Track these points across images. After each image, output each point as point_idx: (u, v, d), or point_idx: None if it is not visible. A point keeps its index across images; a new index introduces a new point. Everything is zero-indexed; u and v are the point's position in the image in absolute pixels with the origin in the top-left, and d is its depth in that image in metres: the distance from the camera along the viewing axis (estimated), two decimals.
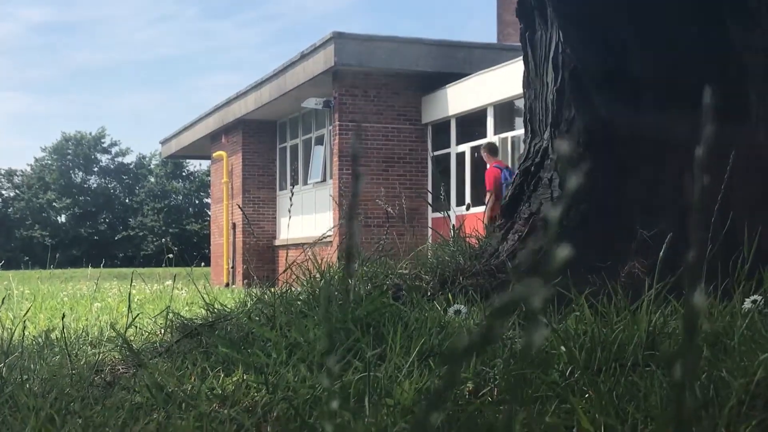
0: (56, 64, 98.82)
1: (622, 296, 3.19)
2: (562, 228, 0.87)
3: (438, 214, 16.91)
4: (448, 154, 19.41)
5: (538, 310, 0.70)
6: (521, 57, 4.94)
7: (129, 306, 5.02)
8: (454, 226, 5.29)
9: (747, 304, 3.04)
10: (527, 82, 4.86)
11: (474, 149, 18.75)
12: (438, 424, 2.04)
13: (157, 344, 4.23)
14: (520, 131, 16.43)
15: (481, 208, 15.93)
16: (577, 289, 3.34)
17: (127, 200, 64.25)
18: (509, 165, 14.55)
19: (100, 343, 4.74)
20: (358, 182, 0.79)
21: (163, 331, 4.56)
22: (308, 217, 21.99)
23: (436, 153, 19.68)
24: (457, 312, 3.49)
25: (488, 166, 13.73)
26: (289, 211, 5.27)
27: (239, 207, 6.78)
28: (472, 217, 13.06)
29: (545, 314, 3.18)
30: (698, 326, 0.69)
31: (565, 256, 0.69)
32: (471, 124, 19.07)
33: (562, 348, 2.60)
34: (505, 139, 17.65)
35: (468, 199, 18.09)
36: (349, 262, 1.18)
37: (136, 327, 5.03)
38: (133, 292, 11.02)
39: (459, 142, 19.22)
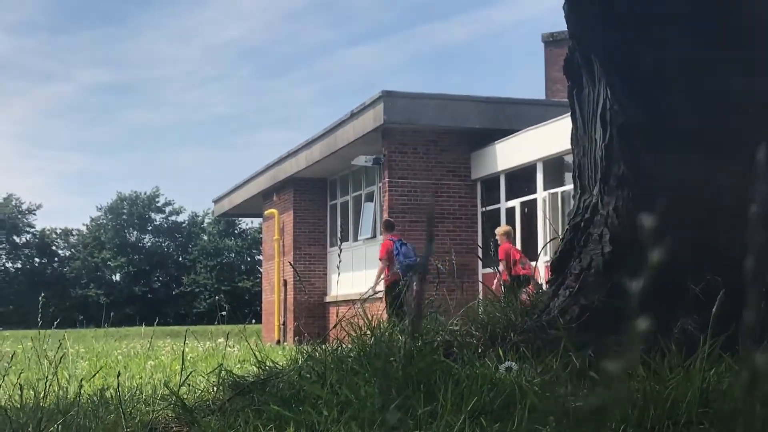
0: (111, 124, 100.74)
1: (675, 353, 3.16)
2: (633, 295, 0.88)
3: (488, 270, 16.85)
4: (498, 210, 19.38)
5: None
6: (569, 113, 4.96)
7: (182, 364, 5.07)
8: (505, 280, 5.28)
9: None
10: (575, 139, 4.87)
11: (524, 204, 18.71)
12: None
13: (210, 402, 4.25)
14: (570, 186, 16.37)
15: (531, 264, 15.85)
16: (630, 346, 3.30)
17: (180, 258, 64.87)
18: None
19: (153, 402, 4.78)
20: (431, 244, 0.81)
21: (215, 388, 4.59)
22: (359, 274, 22.01)
23: (485, 208, 19.67)
24: (508, 369, 3.47)
25: (383, 239, 15.78)
26: (338, 267, 5.29)
27: (290, 264, 6.83)
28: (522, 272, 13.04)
29: (596, 370, 3.15)
30: (757, 386, 0.70)
31: (647, 328, 0.71)
32: (520, 179, 19.04)
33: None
34: (554, 194, 17.60)
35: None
36: (418, 320, 1.20)
37: (189, 385, 5.07)
38: (186, 350, 11.09)
39: (508, 198, 19.20)
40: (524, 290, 5.84)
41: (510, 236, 14.76)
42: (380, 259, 15.53)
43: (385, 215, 19.50)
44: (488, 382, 3.23)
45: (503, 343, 4.05)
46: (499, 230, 15.15)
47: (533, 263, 14.80)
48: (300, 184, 24.84)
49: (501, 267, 14.25)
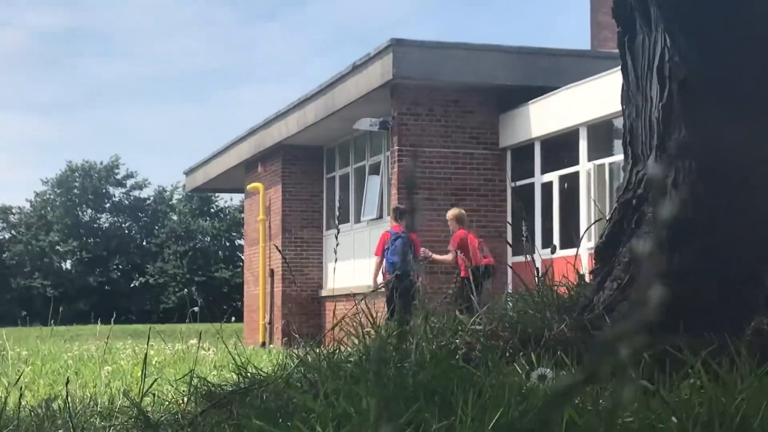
0: (64, 80, 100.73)
1: (747, 358, 3.15)
2: (665, 272, 0.87)
3: (520, 258, 16.86)
4: (532, 185, 19.37)
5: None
6: (619, 66, 4.94)
7: (144, 369, 5.08)
8: (539, 271, 5.28)
9: None
10: (627, 97, 4.85)
11: (564, 179, 18.70)
12: None
13: (179, 415, 4.27)
14: (620, 156, 16.35)
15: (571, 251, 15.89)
16: (692, 350, 3.30)
17: (144, 243, 65.02)
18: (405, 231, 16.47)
19: (111, 414, 4.80)
20: (414, 216, 0.80)
21: (186, 399, 4.61)
22: (361, 262, 22.04)
23: (517, 183, 19.64)
24: (542, 377, 3.47)
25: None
26: (335, 252, 5.26)
27: (278, 250, 6.83)
28: (561, 261, 13.04)
29: (651, 378, 3.15)
30: None
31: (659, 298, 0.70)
32: (559, 148, 19.01)
33: (674, 420, 2.58)
34: (601, 166, 17.58)
35: (556, 240, 18.01)
36: (406, 311, 1.20)
37: (154, 395, 5.09)
38: (151, 352, 11.13)
39: (545, 170, 19.18)
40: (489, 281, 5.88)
41: (463, 221, 15.28)
42: (375, 255, 16.29)
43: (394, 191, 19.50)
44: (517, 393, 3.24)
45: (536, 346, 4.05)
46: (449, 214, 15.61)
47: (574, 250, 14.80)
48: (291, 153, 24.85)
49: (450, 256, 15.08)
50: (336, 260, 6.42)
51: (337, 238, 5.95)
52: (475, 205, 19.46)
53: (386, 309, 11.49)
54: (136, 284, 61.47)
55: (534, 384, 3.42)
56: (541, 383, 3.42)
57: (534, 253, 6.67)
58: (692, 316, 3.70)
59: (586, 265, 5.79)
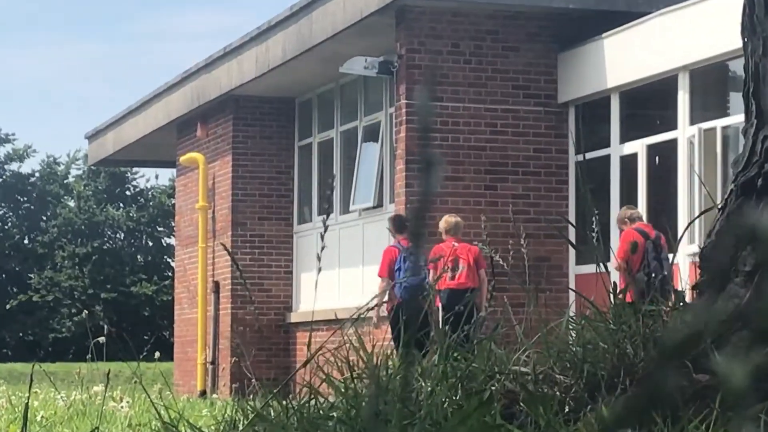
0: None
1: None
2: None
3: (587, 267, 16.86)
4: (607, 158, 19.37)
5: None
6: None
7: (24, 428, 5.09)
8: (616, 286, 5.28)
9: None
10: (750, 26, 4.85)
11: (654, 149, 18.69)
12: None
13: None
14: (737, 117, 16.35)
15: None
16: None
17: (26, 240, 64.99)
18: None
19: None
20: (430, 173, 0.79)
21: None
22: (350, 272, 22.04)
23: (585, 156, 19.64)
24: None
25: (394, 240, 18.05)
26: (318, 258, 5.24)
27: (228, 252, 6.83)
28: None
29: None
30: None
31: None
32: (647, 103, 19.01)
33: None
34: (710, 131, 17.57)
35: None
36: (411, 345, 1.19)
37: None
38: (35, 403, 11.13)
39: (626, 137, 19.19)
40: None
41: (457, 232, 16.73)
42: (380, 276, 17.28)
43: (400, 166, 19.47)
44: None
45: (612, 396, 4.06)
46: (442, 224, 16.77)
47: (670, 256, 14.83)
48: (246, 109, 24.83)
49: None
50: (320, 269, 6.33)
51: (323, 237, 5.93)
52: (521, 188, 19.47)
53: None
54: (14, 303, 61.43)
55: None
56: None
57: (608, 260, 6.68)
58: None
59: (686, 277, 5.80)
